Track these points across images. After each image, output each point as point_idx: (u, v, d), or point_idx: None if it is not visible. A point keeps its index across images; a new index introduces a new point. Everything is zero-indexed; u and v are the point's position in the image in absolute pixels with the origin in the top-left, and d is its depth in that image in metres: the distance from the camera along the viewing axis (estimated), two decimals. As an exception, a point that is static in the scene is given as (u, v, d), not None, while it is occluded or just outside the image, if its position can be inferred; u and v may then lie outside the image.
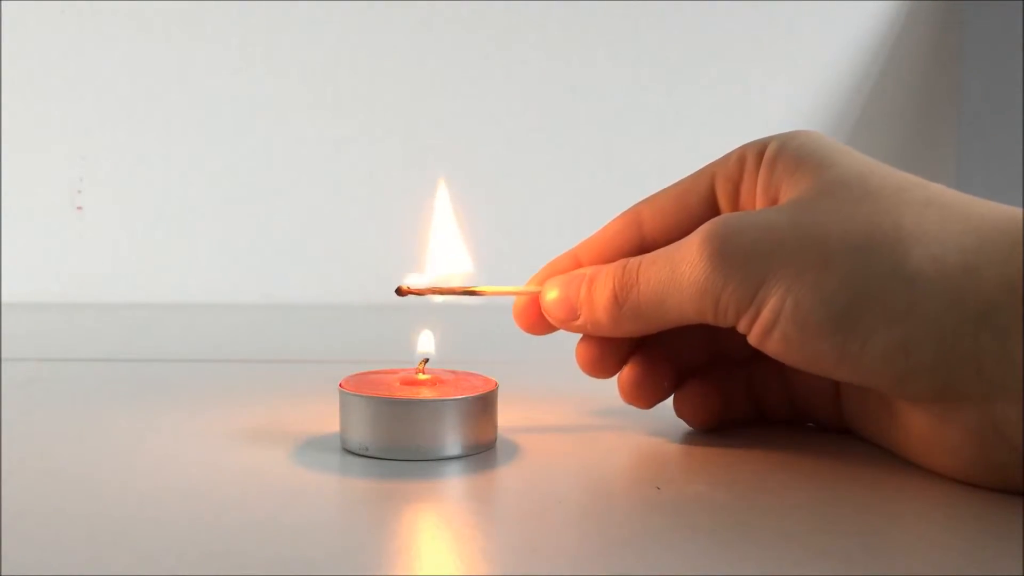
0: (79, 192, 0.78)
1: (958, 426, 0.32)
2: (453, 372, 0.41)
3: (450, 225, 0.40)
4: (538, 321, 0.40)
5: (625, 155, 0.77)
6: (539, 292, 0.39)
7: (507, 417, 0.41)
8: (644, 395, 0.40)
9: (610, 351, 0.39)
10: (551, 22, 0.79)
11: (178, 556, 0.29)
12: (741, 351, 0.38)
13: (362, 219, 0.79)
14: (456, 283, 0.40)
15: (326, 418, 0.41)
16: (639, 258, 0.36)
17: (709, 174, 0.38)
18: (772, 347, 0.33)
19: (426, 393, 0.38)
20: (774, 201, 0.35)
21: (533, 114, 0.80)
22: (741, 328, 0.34)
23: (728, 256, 0.33)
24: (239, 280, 0.79)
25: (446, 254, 0.40)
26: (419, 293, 0.39)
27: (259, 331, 0.69)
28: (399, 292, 0.39)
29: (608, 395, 0.49)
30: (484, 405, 0.38)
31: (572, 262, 0.40)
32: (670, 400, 0.41)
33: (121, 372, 0.54)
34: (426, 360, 0.40)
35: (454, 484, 0.36)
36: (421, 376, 0.39)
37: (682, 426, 0.43)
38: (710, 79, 0.81)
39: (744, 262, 0.33)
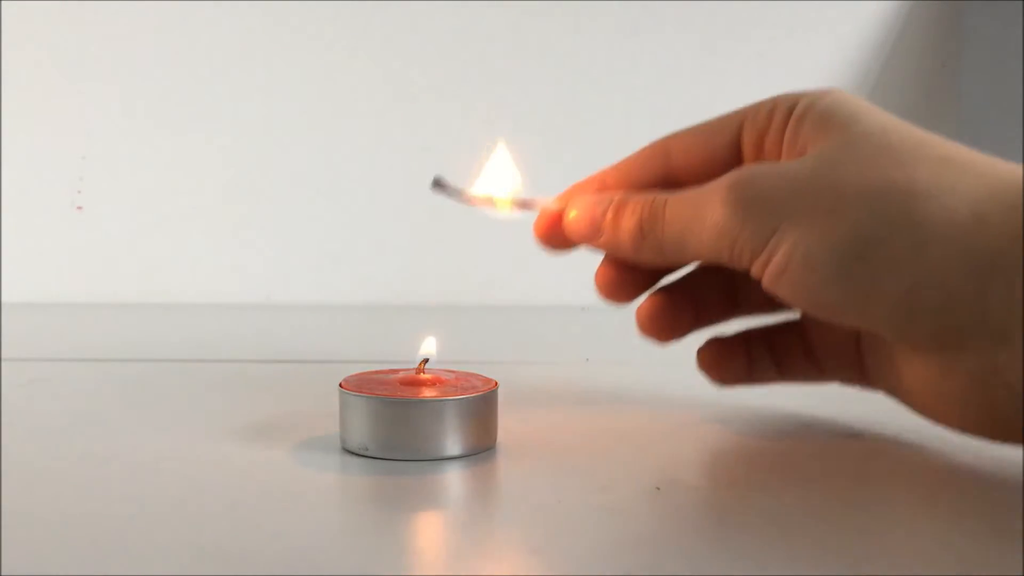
0: (79, 192, 0.78)
1: (962, 374, 0.33)
2: (453, 372, 0.41)
3: (505, 165, 0.42)
4: (559, 236, 0.41)
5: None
6: (563, 208, 0.40)
7: (507, 417, 0.41)
8: (661, 328, 0.41)
9: (629, 278, 0.41)
10: (541, 26, 0.79)
11: (178, 556, 0.29)
12: (759, 303, 0.40)
13: (362, 219, 0.79)
14: (493, 194, 0.41)
15: (326, 418, 0.41)
16: (666, 195, 0.38)
17: (739, 119, 0.39)
18: (783, 291, 0.34)
19: (426, 393, 0.38)
20: (800, 155, 0.36)
21: (532, 124, 0.80)
22: (755, 271, 0.35)
23: (747, 203, 0.34)
24: (239, 280, 0.79)
25: (497, 175, 0.41)
26: (452, 192, 0.40)
27: (259, 331, 0.70)
28: (435, 184, 0.39)
29: (608, 395, 0.49)
30: (484, 405, 0.38)
31: (598, 184, 0.41)
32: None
33: (121, 372, 0.54)
34: (426, 360, 0.40)
35: (454, 484, 0.36)
36: (421, 376, 0.39)
37: (681, 427, 0.43)
38: (708, 79, 0.81)
39: (762, 209, 0.34)
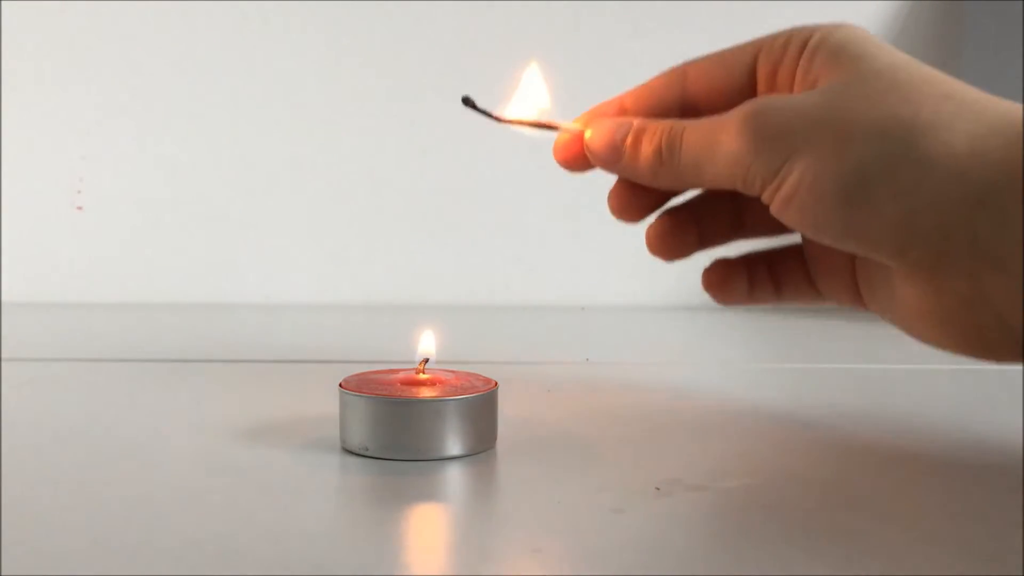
0: (79, 192, 0.78)
1: (952, 297, 0.35)
2: (453, 372, 0.41)
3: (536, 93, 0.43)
4: (577, 158, 0.42)
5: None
6: (583, 131, 0.41)
7: (507, 417, 0.41)
8: (668, 248, 0.43)
9: (640, 198, 0.42)
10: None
11: (178, 556, 0.29)
12: (762, 226, 0.43)
13: (362, 219, 0.79)
14: (522, 115, 0.42)
15: (326, 418, 0.41)
16: (684, 123, 0.39)
17: (755, 48, 0.40)
18: (791, 217, 0.36)
19: (426, 393, 0.38)
20: (812, 87, 0.38)
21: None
22: (765, 198, 0.37)
23: (762, 134, 0.36)
24: (239, 280, 0.79)
25: (527, 97, 0.42)
26: (479, 110, 0.41)
27: (259, 331, 0.70)
28: (464, 102, 0.41)
29: (608, 395, 0.49)
30: (484, 405, 0.38)
31: (617, 108, 0.42)
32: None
33: (121, 372, 0.54)
34: (426, 360, 0.40)
35: (454, 484, 0.36)
36: (421, 376, 0.39)
37: (681, 427, 0.43)
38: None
39: (774, 140, 0.36)
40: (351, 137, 0.79)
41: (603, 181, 0.43)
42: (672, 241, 0.43)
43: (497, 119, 0.41)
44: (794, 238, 0.43)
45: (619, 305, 0.78)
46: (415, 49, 0.79)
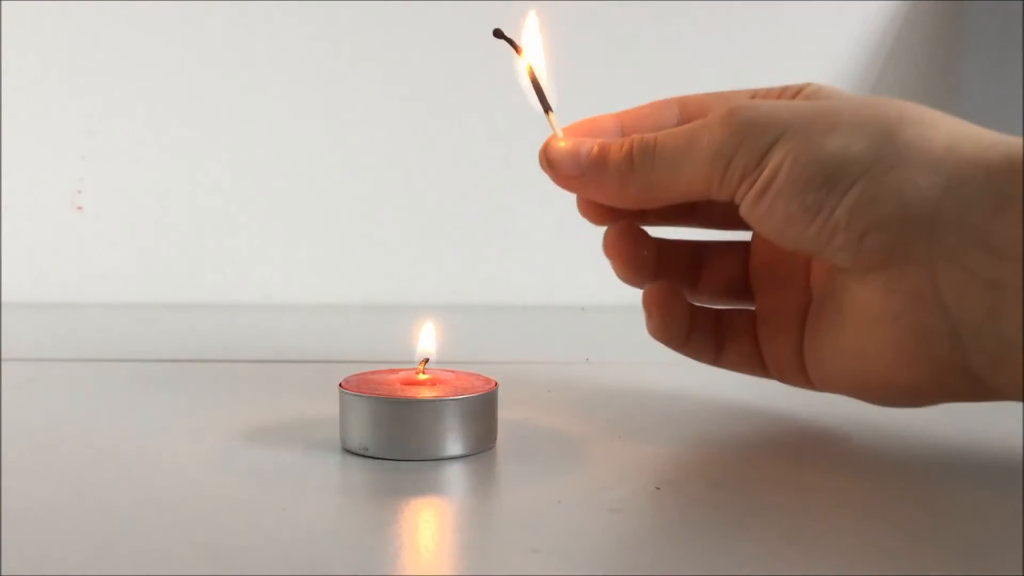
0: (79, 192, 0.78)
1: (901, 293, 0.34)
2: (453, 372, 0.41)
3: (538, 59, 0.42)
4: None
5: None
6: (558, 137, 0.40)
7: (507, 417, 0.41)
8: (622, 253, 0.42)
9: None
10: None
11: (178, 556, 0.29)
12: (720, 286, 0.43)
13: (362, 219, 0.79)
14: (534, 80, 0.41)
15: (326, 418, 0.41)
16: (655, 133, 0.39)
17: (752, 91, 0.41)
18: (760, 210, 0.36)
19: (426, 393, 0.38)
20: None
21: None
22: (740, 194, 0.36)
23: (747, 123, 0.36)
24: (240, 280, 0.79)
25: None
26: (512, 43, 0.40)
27: (259, 331, 0.70)
28: (496, 33, 0.41)
29: (608, 395, 0.49)
30: (484, 405, 0.38)
31: (614, 122, 0.42)
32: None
33: (121, 372, 0.54)
34: (426, 360, 0.40)
35: (454, 484, 0.36)
36: (421, 376, 0.39)
37: (681, 427, 0.43)
38: (709, 79, 0.81)
39: (761, 128, 0.36)
40: (351, 137, 0.79)
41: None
42: (628, 246, 0.42)
43: (518, 52, 0.41)
44: (750, 305, 0.42)
45: (619, 305, 0.78)
46: (416, 49, 0.79)
